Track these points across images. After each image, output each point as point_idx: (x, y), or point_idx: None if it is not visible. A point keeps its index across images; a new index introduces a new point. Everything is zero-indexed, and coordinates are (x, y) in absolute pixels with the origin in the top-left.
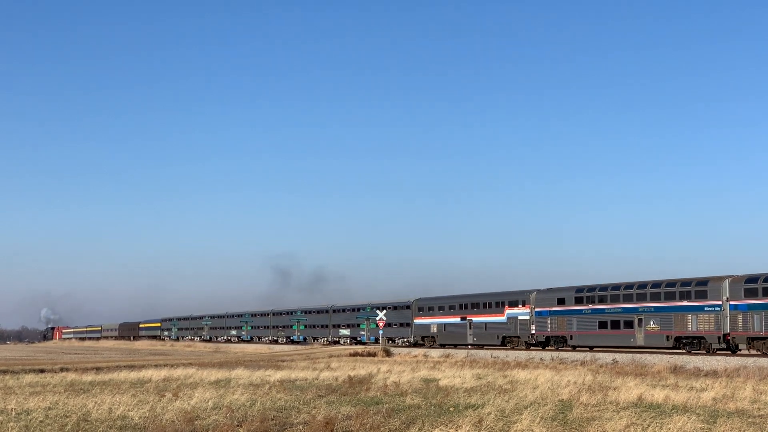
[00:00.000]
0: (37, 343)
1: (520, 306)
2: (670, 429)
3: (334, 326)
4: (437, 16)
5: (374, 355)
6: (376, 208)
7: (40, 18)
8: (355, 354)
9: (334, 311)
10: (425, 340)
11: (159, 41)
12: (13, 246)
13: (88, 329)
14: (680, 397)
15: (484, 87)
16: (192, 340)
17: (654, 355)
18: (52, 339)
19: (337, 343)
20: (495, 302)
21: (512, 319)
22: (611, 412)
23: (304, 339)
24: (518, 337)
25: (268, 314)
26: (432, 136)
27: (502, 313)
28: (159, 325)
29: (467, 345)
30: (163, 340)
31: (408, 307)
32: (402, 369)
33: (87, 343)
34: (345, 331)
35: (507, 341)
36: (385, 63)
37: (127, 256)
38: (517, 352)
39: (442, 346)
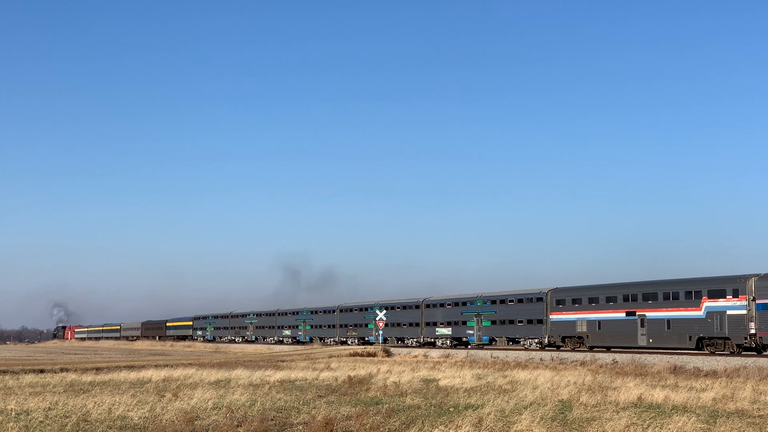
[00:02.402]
0: (36, 343)
1: (729, 296)
2: (670, 429)
3: (427, 324)
4: (437, 16)
5: (374, 355)
6: (384, 209)
7: (40, 19)
8: (355, 354)
9: (427, 306)
10: (567, 341)
11: (166, 42)
12: (13, 246)
13: (104, 328)
14: (680, 398)
15: (492, 88)
16: (232, 341)
17: (654, 355)
18: (63, 338)
19: (432, 344)
20: (685, 292)
21: (715, 314)
22: (611, 412)
23: (385, 340)
24: (727, 338)
25: (334, 311)
26: (440, 137)
27: (697, 306)
28: (190, 323)
29: (636, 348)
30: (195, 340)
31: (540, 299)
32: (402, 369)
33: (101, 343)
34: (444, 330)
35: (706, 343)
36: (393, 64)
37: (133, 255)
38: (517, 352)
39: (592, 348)
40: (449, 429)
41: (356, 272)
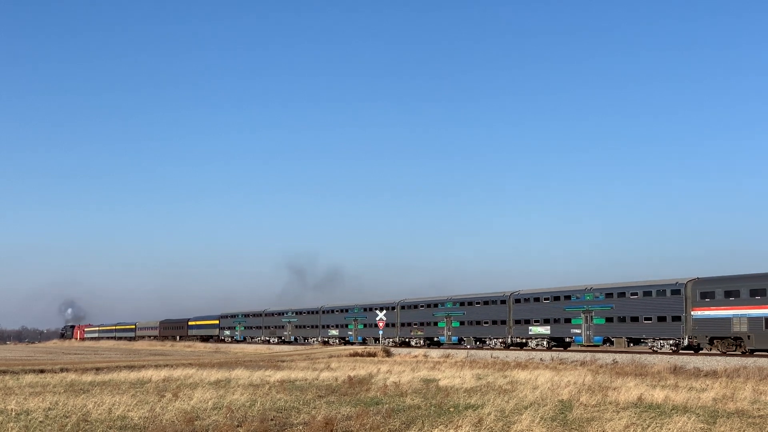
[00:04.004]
0: (37, 342)
1: None
2: (670, 429)
3: (517, 322)
4: (439, 18)
5: (374, 355)
6: (388, 208)
7: (41, 19)
8: (355, 354)
9: (516, 301)
10: (717, 343)
11: (169, 43)
12: (13, 246)
13: (118, 327)
14: (680, 398)
15: (499, 89)
16: (267, 342)
17: (654, 355)
18: (73, 338)
19: (523, 345)
20: None
21: None
22: (611, 412)
23: (460, 340)
24: None
25: (395, 307)
26: (443, 137)
27: None
28: (216, 322)
29: None
30: (224, 341)
31: (677, 291)
32: (402, 369)
33: (110, 343)
34: (540, 329)
35: None
36: (395, 65)
37: (138, 255)
38: (518, 352)
39: (752, 352)
40: (449, 429)
41: (361, 272)
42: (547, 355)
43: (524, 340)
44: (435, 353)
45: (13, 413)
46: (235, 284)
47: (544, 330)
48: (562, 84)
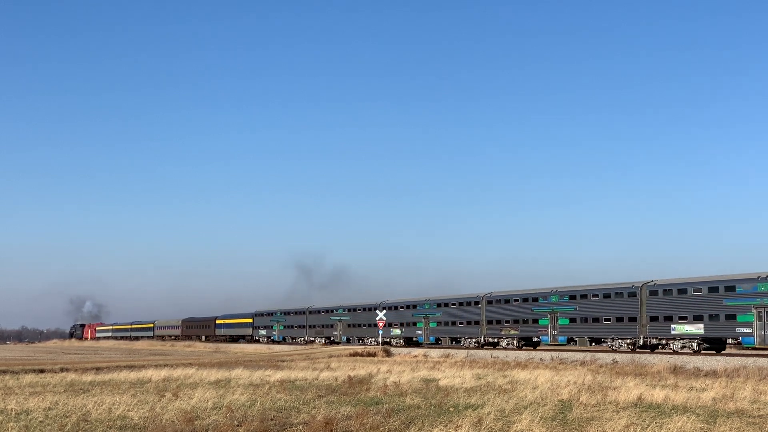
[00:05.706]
0: (37, 342)
1: None
2: (669, 429)
3: (652, 319)
4: (440, 18)
5: (374, 355)
6: (389, 209)
7: (41, 19)
8: (355, 354)
9: (652, 293)
10: None
11: (177, 44)
12: (13, 246)
13: (133, 326)
14: (680, 397)
15: (499, 89)
16: (311, 342)
17: (654, 355)
18: (83, 338)
19: (655, 347)
20: None
21: None
22: (611, 412)
23: (569, 340)
24: None
25: (478, 302)
26: (446, 138)
27: None
28: (250, 321)
29: None
30: (258, 341)
31: None
32: (402, 369)
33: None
34: (688, 327)
35: None
36: (400, 65)
37: (143, 256)
38: (517, 352)
39: None
40: (449, 429)
41: (364, 271)
42: (547, 355)
43: (663, 341)
44: (435, 353)
45: (13, 413)
46: (236, 284)
47: (695, 329)
48: (562, 84)
